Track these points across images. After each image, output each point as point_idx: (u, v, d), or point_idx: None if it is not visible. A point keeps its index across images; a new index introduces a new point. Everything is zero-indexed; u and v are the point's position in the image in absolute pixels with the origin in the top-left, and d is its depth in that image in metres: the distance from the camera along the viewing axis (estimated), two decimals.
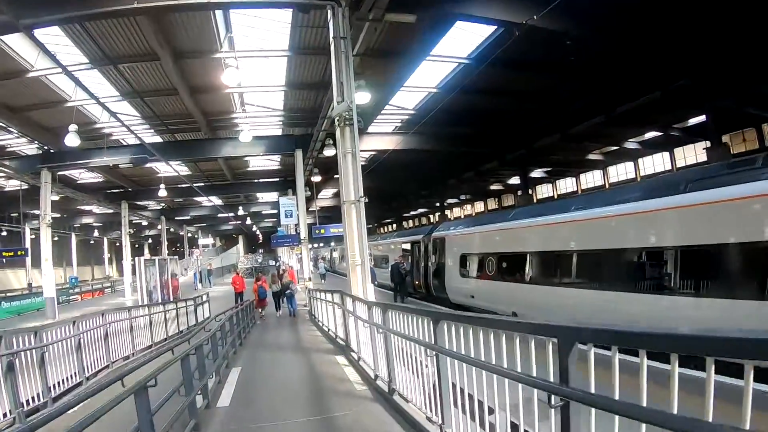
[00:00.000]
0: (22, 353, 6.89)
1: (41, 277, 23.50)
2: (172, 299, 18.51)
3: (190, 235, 60.79)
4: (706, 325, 7.49)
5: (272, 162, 30.57)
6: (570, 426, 2.38)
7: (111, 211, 38.02)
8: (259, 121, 21.68)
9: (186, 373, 5.02)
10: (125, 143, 22.27)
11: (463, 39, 14.50)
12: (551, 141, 23.27)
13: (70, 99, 17.11)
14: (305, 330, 14.61)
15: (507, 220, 14.19)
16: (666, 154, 30.75)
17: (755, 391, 1.64)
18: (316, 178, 26.84)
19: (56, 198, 27.85)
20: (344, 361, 8.90)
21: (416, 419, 4.93)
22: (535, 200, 39.41)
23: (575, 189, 39.03)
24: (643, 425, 2.02)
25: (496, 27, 13.00)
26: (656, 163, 31.79)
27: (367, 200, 8.87)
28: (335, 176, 30.49)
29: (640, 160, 32.85)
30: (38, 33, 12.83)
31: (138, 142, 19.40)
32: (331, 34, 9.37)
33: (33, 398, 7.07)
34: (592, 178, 37.50)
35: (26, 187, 26.10)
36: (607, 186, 35.27)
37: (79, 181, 30.27)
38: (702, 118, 22.12)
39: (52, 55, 12.65)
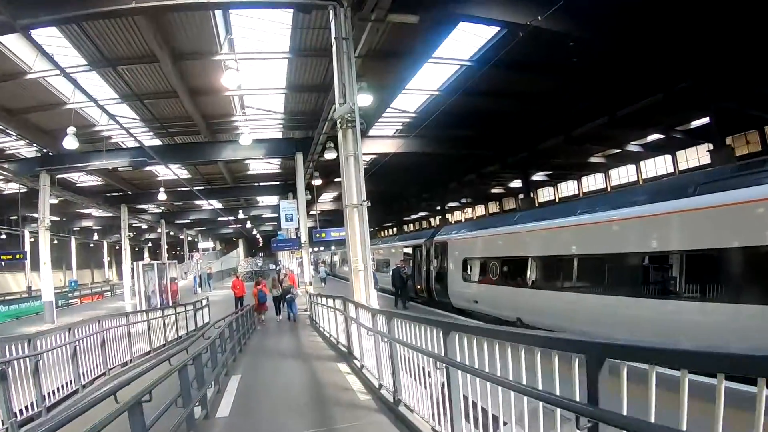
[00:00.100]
0: (16, 362, 6.69)
1: (40, 280, 23.29)
2: (171, 304, 18.29)
3: (190, 238, 60.65)
4: (719, 333, 7.32)
5: (272, 165, 30.42)
6: None
7: (111, 214, 37.89)
8: (259, 124, 21.55)
9: (184, 383, 4.83)
10: (124, 146, 22.13)
11: (466, 41, 14.37)
12: (554, 143, 23.12)
13: (68, 101, 16.96)
14: (306, 335, 14.40)
15: (511, 223, 13.99)
16: (668, 157, 30.58)
17: None
18: (317, 182, 26.70)
19: (55, 201, 27.62)
20: (346, 369, 8.68)
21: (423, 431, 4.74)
22: (536, 204, 39.24)
23: (577, 192, 38.86)
24: None
25: (499, 28, 12.83)
26: (658, 165, 31.62)
27: (369, 204, 8.69)
28: (336, 180, 30.55)
29: (642, 163, 32.69)
30: (36, 34, 12.74)
31: (137, 145, 19.31)
32: (333, 35, 9.20)
33: (26, 407, 6.86)
34: (593, 181, 37.34)
35: (25, 190, 25.94)
36: (609, 189, 35.09)
37: (78, 185, 30.14)
38: (704, 120, 22.02)
39: (50, 56, 12.46)
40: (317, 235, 23.31)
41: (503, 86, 17.36)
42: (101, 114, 18.37)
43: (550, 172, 36.34)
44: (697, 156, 28.22)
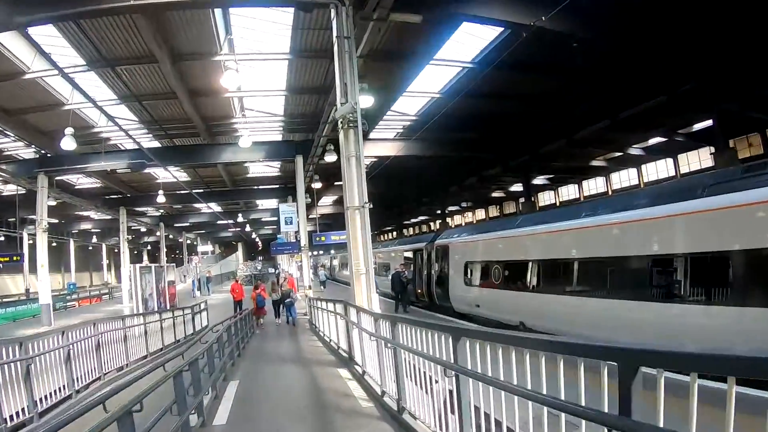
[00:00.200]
0: (6, 365, 6.49)
1: (37, 282, 23.09)
2: (168, 307, 18.08)
3: (189, 242, 60.44)
4: (727, 337, 7.15)
5: (272, 168, 30.26)
6: None
7: (109, 217, 37.70)
8: (259, 127, 21.40)
9: (179, 390, 4.62)
10: (123, 148, 21.94)
11: (468, 43, 14.23)
12: (556, 146, 22.95)
13: (67, 102, 16.79)
14: (306, 340, 14.19)
15: (514, 227, 13.82)
16: (670, 161, 30.42)
17: None
18: (317, 185, 26.52)
19: (53, 203, 27.43)
20: (348, 375, 8.47)
21: None
22: (537, 208, 39.05)
23: (578, 196, 38.69)
24: None
25: (503, 29, 12.69)
26: (659, 169, 31.46)
27: (371, 206, 8.50)
28: (336, 183, 30.40)
29: (643, 167, 32.53)
30: (34, 34, 12.66)
31: (136, 146, 19.14)
32: (335, 34, 9.03)
33: (17, 413, 6.65)
34: (594, 185, 37.18)
35: (23, 191, 25.77)
36: (610, 193, 34.92)
37: (77, 187, 29.97)
38: (707, 123, 21.93)
39: (47, 54, 12.35)
40: (317, 239, 23.19)
41: (505, 88, 17.21)
42: (100, 115, 18.20)
43: (551, 176, 36.19)
44: (698, 159, 28.09)
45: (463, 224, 50.73)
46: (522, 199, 38.25)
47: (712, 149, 25.15)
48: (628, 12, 12.03)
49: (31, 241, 35.48)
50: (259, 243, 70.11)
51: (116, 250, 52.49)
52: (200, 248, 61.28)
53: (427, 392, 4.61)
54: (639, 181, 32.95)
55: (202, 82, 15.75)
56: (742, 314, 6.94)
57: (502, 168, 28.76)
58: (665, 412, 1.93)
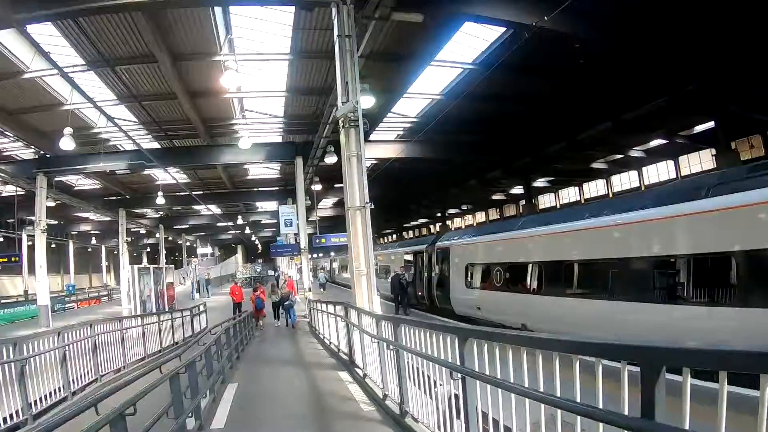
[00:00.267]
0: (0, 366, 6.36)
1: (36, 284, 22.95)
2: (167, 309, 17.95)
3: (188, 244, 60.31)
4: (735, 338, 7.05)
5: (272, 170, 30.17)
6: None
7: (109, 218, 37.60)
8: (258, 128, 21.31)
9: (175, 393, 4.49)
10: (122, 149, 21.83)
11: (469, 44, 14.17)
12: (557, 148, 22.87)
13: (66, 102, 16.70)
14: (305, 343, 14.06)
15: (516, 228, 13.71)
16: (671, 163, 30.33)
17: None
18: (317, 187, 26.42)
19: (52, 204, 27.32)
20: (348, 378, 8.32)
21: None
22: (537, 210, 38.93)
23: (578, 199, 38.59)
24: None
25: (505, 29, 12.61)
26: (660, 171, 31.36)
27: (372, 206, 8.39)
28: (336, 186, 30.29)
29: (644, 169, 32.43)
30: (34, 32, 12.54)
31: (135, 147, 19.05)
32: (336, 32, 8.94)
33: (11, 415, 6.53)
34: (595, 188, 37.08)
35: (22, 192, 25.66)
36: (610, 195, 34.82)
37: (76, 188, 29.89)
38: (708, 125, 21.85)
39: (46, 53, 12.25)
40: (317, 241, 23.06)
41: (506, 90, 17.14)
42: (99, 116, 18.12)
43: (552, 178, 36.11)
44: (699, 161, 28.00)
45: (464, 227, 50.61)
46: (522, 202, 38.18)
47: (713, 151, 25.17)
48: (630, 13, 11.98)
49: (30, 243, 35.35)
50: (259, 245, 69.99)
51: (116, 252, 52.35)
52: (200, 250, 61.15)
53: (431, 397, 4.47)
54: (640, 183, 32.84)
55: (202, 82, 15.68)
56: (751, 315, 6.83)
57: (503, 170, 28.70)
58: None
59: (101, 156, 20.42)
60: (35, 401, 7.00)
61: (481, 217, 52.30)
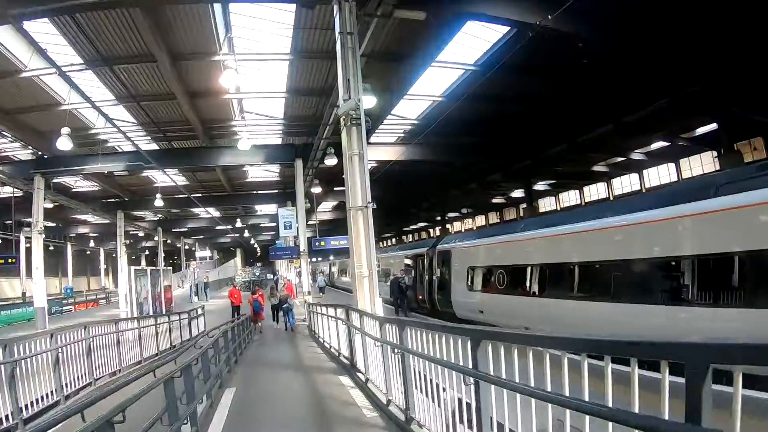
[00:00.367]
0: None
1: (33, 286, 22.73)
2: (165, 312, 17.72)
3: (187, 247, 60.08)
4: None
5: (271, 173, 29.99)
6: None
7: (107, 221, 37.40)
8: (258, 130, 21.13)
9: (170, 398, 4.28)
10: (121, 150, 21.64)
11: (471, 45, 14.04)
12: (558, 151, 22.75)
13: (64, 102, 16.54)
14: (305, 346, 13.83)
15: (519, 230, 13.53)
16: (672, 165, 30.21)
17: None
18: (317, 190, 26.24)
19: (50, 206, 27.15)
20: (350, 383, 8.08)
21: None
22: (538, 213, 38.79)
23: (579, 201, 38.45)
24: None
25: (508, 28, 12.49)
26: (661, 174, 31.23)
27: (374, 206, 8.20)
28: (336, 188, 30.10)
29: (645, 172, 32.30)
30: (32, 31, 12.39)
31: (134, 149, 18.90)
32: (337, 30, 8.79)
33: (1, 420, 6.31)
34: (596, 191, 36.93)
35: (20, 193, 25.45)
36: (611, 198, 34.66)
37: (74, 189, 29.69)
38: (709, 127, 21.89)
39: (42, 49, 12.08)
40: (317, 244, 22.87)
41: (507, 92, 17.02)
42: (98, 116, 17.97)
43: (553, 181, 35.98)
44: (701, 164, 27.89)
45: (463, 230, 50.42)
46: (523, 205, 38.06)
47: (715, 153, 25.09)
48: (632, 14, 11.88)
49: (28, 245, 35.11)
50: (258, 249, 69.74)
51: (114, 255, 52.05)
52: (198, 253, 60.89)
53: (440, 405, 4.24)
54: (641, 186, 32.70)
55: (201, 82, 15.53)
56: (761, 316, 6.66)
57: (504, 173, 28.56)
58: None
59: (99, 157, 20.24)
60: (26, 405, 6.78)
61: (481, 220, 52.13)
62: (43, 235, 21.99)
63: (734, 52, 13.68)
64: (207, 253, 65.40)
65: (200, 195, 32.27)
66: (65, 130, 15.31)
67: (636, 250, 9.10)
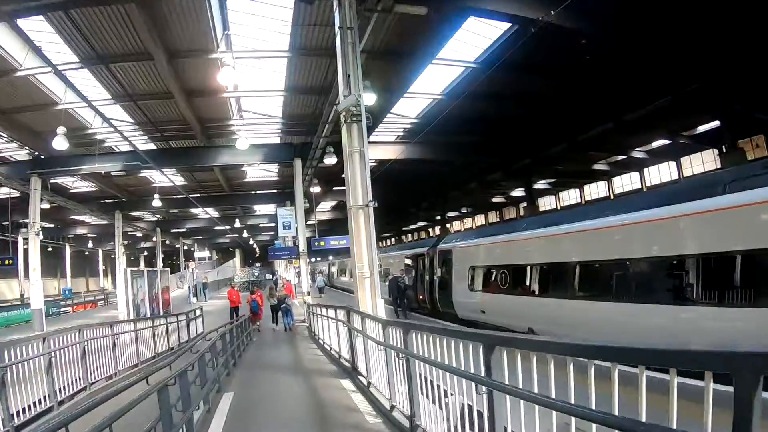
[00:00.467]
0: None
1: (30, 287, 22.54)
2: (162, 313, 17.50)
3: (186, 247, 59.89)
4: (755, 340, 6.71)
5: (270, 173, 29.80)
6: None
7: (105, 222, 37.21)
8: (256, 129, 20.95)
9: (164, 406, 4.07)
10: (118, 150, 21.45)
11: (471, 42, 13.89)
12: (558, 149, 22.60)
13: (60, 101, 16.33)
14: (305, 348, 13.63)
15: (521, 229, 13.35)
16: (672, 164, 30.07)
17: None
18: (316, 189, 26.05)
19: (47, 206, 26.96)
20: (351, 387, 7.86)
21: None
22: (538, 212, 38.62)
23: (579, 200, 38.29)
24: None
25: (510, 24, 12.30)
26: (662, 173, 31.09)
27: (376, 204, 8.01)
28: (335, 188, 29.93)
29: (645, 170, 32.15)
30: (27, 29, 12.21)
31: (131, 149, 18.70)
32: (337, 24, 8.61)
33: None
34: (596, 189, 36.79)
35: (17, 194, 25.23)
36: (612, 197, 34.50)
37: (72, 190, 29.47)
38: (711, 125, 21.82)
39: (37, 47, 11.89)
40: (316, 243, 22.68)
41: (508, 90, 16.87)
42: (94, 116, 17.79)
43: (553, 180, 35.83)
44: (702, 162, 27.76)
45: (463, 230, 50.23)
46: (523, 204, 37.90)
47: (716, 151, 24.95)
48: (635, 11, 11.73)
49: (26, 246, 34.88)
50: (257, 249, 69.55)
51: (113, 256, 51.83)
52: (197, 254, 60.64)
53: (450, 414, 4.02)
54: (641, 184, 32.56)
55: (198, 81, 15.35)
56: None
57: (504, 172, 28.40)
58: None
59: (96, 157, 20.07)
60: (17, 412, 6.57)
61: (480, 220, 51.98)
62: (41, 236, 21.85)
63: (736, 49, 13.54)
64: (206, 253, 65.16)
65: (199, 195, 32.07)
66: (61, 130, 15.14)
67: (643, 249, 8.92)
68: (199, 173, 28.40)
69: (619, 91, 16.99)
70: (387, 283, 19.76)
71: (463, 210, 50.18)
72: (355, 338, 8.12)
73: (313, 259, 48.20)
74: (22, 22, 11.92)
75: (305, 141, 20.96)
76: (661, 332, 7.93)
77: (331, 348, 11.24)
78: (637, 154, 26.91)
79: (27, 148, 20.51)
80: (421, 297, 19.88)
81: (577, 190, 38.45)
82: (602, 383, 2.20)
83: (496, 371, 3.05)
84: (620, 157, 28.59)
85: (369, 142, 19.41)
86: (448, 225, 49.12)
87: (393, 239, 62.67)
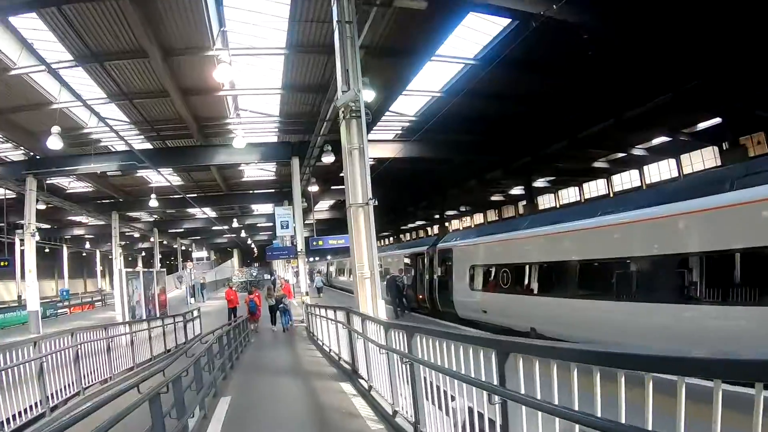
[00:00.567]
0: None
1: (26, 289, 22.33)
2: (159, 315, 17.28)
3: (183, 248, 59.67)
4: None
5: (267, 172, 29.59)
6: None
7: (103, 222, 36.99)
8: (253, 128, 20.75)
9: (156, 417, 3.87)
10: (114, 150, 21.23)
11: (471, 38, 13.74)
12: (558, 147, 22.43)
13: (55, 101, 16.11)
14: (304, 350, 13.42)
15: (523, 227, 13.15)
16: (672, 161, 29.93)
17: None
18: (314, 188, 25.84)
19: (42, 207, 26.72)
20: (351, 390, 7.64)
21: None
22: (537, 211, 38.47)
23: (578, 199, 38.14)
24: None
25: (510, 20, 12.13)
26: (662, 170, 30.95)
27: (376, 202, 7.81)
28: (333, 187, 29.73)
29: (645, 168, 32.01)
30: (20, 27, 12.00)
31: (127, 148, 18.48)
32: (335, 18, 8.39)
33: None
34: (595, 188, 36.64)
35: (13, 195, 25.01)
36: (611, 195, 34.36)
37: (68, 191, 29.27)
38: (711, 122, 21.74)
39: (29, 44, 11.69)
40: (314, 243, 22.48)
41: (507, 88, 16.71)
42: (90, 116, 17.57)
43: (552, 178, 35.68)
44: (702, 159, 27.62)
45: (461, 229, 50.06)
46: (522, 203, 37.78)
47: (716, 149, 24.83)
48: (636, 7, 11.55)
49: (23, 247, 34.63)
50: (255, 249, 69.35)
51: (110, 257, 51.60)
52: (195, 254, 60.38)
53: (459, 427, 3.81)
54: (641, 182, 32.43)
55: (194, 79, 15.14)
56: None
57: (503, 170, 28.24)
58: None
59: (92, 157, 19.83)
60: (8, 419, 6.36)
61: (479, 219, 51.82)
62: (37, 237, 21.64)
63: (738, 46, 13.40)
64: (204, 253, 64.86)
65: (196, 195, 31.90)
66: (55, 129, 14.94)
67: (651, 246, 8.74)
68: (196, 173, 28.19)
69: (620, 88, 16.83)
70: (384, 283, 19.58)
71: (462, 209, 50.00)
72: (355, 340, 7.92)
73: (311, 259, 47.98)
74: (14, 20, 11.73)
75: (303, 140, 20.77)
76: (677, 333, 7.76)
77: (330, 350, 11.04)
78: (637, 151, 26.77)
79: (22, 148, 20.30)
80: (420, 297, 19.69)
81: (577, 189, 38.28)
82: (633, 393, 1.99)
83: (511, 380, 2.83)
84: (620, 155, 28.45)
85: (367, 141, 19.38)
86: (446, 224, 48.96)
87: (391, 238, 62.47)
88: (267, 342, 16.15)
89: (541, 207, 39.97)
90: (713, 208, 7.62)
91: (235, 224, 46.33)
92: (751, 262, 7.03)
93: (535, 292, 11.78)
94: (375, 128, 19.72)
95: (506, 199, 43.99)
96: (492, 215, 49.53)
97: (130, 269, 21.72)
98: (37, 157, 20.79)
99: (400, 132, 21.66)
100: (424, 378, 4.46)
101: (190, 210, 39.39)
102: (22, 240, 32.10)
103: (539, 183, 35.83)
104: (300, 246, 22.05)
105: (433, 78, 16.17)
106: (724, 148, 20.41)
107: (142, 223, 44.09)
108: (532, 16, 10.56)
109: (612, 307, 9.25)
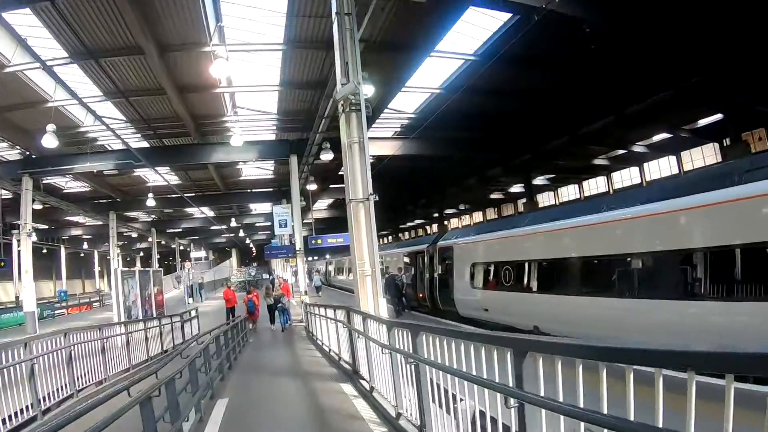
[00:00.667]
0: None
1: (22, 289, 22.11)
2: (155, 315, 17.06)
3: (182, 248, 59.46)
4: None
5: (265, 171, 29.40)
6: None
7: (100, 222, 36.76)
8: (251, 125, 20.55)
9: (147, 422, 3.66)
10: (110, 148, 21.02)
11: (470, 34, 13.56)
12: (558, 144, 22.30)
13: (50, 99, 15.88)
14: (303, 349, 13.23)
15: (526, 224, 12.98)
16: (672, 158, 29.81)
17: None
18: (312, 187, 25.65)
19: (39, 207, 26.50)
20: (352, 391, 7.43)
21: None
22: (537, 208, 38.34)
23: (578, 196, 38.00)
24: None
25: (511, 14, 11.97)
26: (662, 167, 30.83)
27: (377, 198, 7.61)
28: (332, 186, 29.54)
29: (645, 165, 31.88)
30: (13, 23, 11.79)
31: (124, 147, 18.28)
32: (334, 10, 8.19)
33: None
34: (595, 185, 36.51)
35: (10, 195, 24.76)
36: (611, 192, 34.23)
37: (65, 190, 29.05)
38: (712, 118, 21.65)
39: (23, 40, 11.47)
40: (313, 242, 22.27)
41: (507, 84, 16.59)
42: (86, 114, 17.37)
43: (552, 176, 35.54)
44: (702, 156, 27.53)
45: (461, 227, 49.94)
46: (522, 200, 37.63)
47: (717, 145, 24.74)
48: (638, 2, 11.38)
49: (20, 248, 34.34)
50: (253, 249, 69.16)
51: (108, 257, 51.37)
52: (193, 254, 60.16)
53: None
54: (641, 179, 32.30)
55: (191, 76, 14.96)
56: None
57: (503, 168, 28.11)
58: None
59: (88, 156, 19.58)
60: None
61: (478, 217, 51.69)
62: (33, 238, 21.43)
63: (739, 42, 13.30)
64: (202, 253, 64.65)
65: (193, 194, 31.70)
66: (50, 127, 14.71)
67: (657, 242, 8.58)
68: (193, 172, 28.00)
69: (620, 85, 16.70)
70: (384, 281, 19.40)
71: (461, 207, 49.85)
72: (356, 340, 7.71)
73: (310, 258, 47.78)
74: (8, 16, 11.52)
75: (301, 137, 20.57)
76: (684, 329, 7.60)
77: (330, 350, 10.85)
78: (638, 148, 26.66)
79: (18, 147, 20.07)
80: (421, 295, 19.53)
81: (576, 186, 38.14)
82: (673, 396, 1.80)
83: (529, 382, 2.63)
84: (620, 152, 28.35)
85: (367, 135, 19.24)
86: (445, 222, 48.81)
87: (390, 237, 62.31)
88: (266, 342, 15.96)
89: (540, 205, 39.84)
90: (722, 201, 7.45)
91: (233, 224, 46.10)
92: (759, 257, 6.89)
93: (538, 289, 11.61)
94: (374, 126, 19.55)
95: (506, 197, 43.86)
96: (491, 213, 49.41)
97: (127, 269, 21.40)
98: (33, 156, 20.58)
99: (399, 129, 21.49)
100: (430, 379, 4.26)
101: (188, 209, 39.18)
102: (19, 240, 31.89)
103: (539, 180, 35.71)
104: (298, 245, 21.85)
105: (432, 74, 16.00)
106: (726, 144, 20.30)
107: (139, 223, 43.88)
108: (533, 10, 10.40)
109: (619, 304, 9.07)
